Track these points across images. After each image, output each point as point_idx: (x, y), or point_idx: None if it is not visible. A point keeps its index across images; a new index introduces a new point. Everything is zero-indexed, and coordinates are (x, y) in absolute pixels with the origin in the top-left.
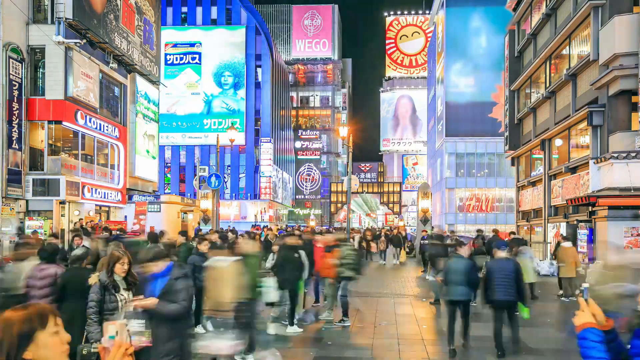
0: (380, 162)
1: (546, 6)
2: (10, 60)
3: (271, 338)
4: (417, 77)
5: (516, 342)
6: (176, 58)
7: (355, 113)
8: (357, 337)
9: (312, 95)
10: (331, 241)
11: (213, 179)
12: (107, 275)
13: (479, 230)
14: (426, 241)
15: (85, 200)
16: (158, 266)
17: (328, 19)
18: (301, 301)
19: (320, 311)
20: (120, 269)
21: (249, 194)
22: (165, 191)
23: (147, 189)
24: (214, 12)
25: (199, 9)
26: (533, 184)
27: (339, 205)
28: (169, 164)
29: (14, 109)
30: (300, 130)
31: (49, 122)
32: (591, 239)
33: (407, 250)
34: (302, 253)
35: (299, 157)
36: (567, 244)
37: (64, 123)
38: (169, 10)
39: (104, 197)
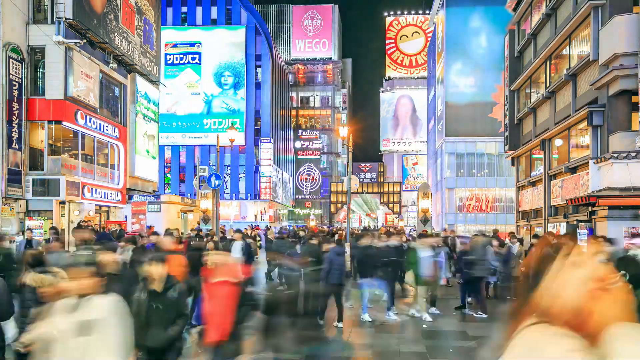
0: (380, 162)
1: (546, 6)
2: (10, 60)
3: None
4: (417, 77)
5: None
6: (176, 58)
7: (355, 113)
8: None
9: (312, 95)
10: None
11: (213, 179)
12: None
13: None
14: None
15: (85, 200)
16: None
17: (328, 19)
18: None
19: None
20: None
21: (249, 194)
22: (165, 191)
23: (147, 189)
24: (214, 12)
25: (199, 9)
26: (533, 184)
27: (339, 205)
28: (169, 164)
29: (14, 109)
30: (300, 130)
31: (49, 122)
32: None
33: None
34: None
35: (299, 157)
36: None
37: (64, 123)
38: (169, 10)
39: (104, 197)
